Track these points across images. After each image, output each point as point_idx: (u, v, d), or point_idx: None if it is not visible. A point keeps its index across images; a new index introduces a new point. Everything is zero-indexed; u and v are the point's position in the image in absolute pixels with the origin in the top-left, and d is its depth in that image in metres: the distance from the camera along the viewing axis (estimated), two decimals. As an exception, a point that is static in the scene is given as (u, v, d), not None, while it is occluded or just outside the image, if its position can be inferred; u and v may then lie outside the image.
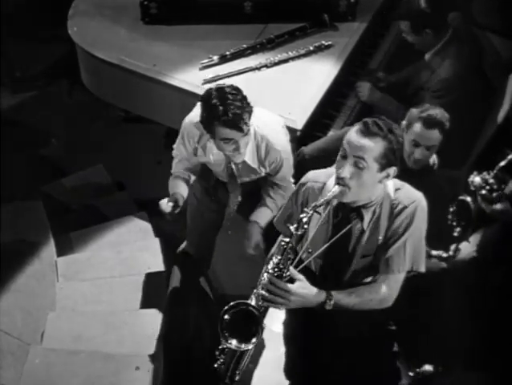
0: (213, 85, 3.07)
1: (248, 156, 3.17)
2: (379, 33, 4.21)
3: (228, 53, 3.90)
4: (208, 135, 3.09)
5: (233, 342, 2.39)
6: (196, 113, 3.15)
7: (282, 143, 3.22)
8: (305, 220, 2.38)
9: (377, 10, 4.18)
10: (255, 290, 2.45)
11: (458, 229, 3.05)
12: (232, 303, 2.39)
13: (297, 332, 2.93)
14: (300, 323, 2.81)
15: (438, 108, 3.09)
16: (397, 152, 2.37)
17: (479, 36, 3.98)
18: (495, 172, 2.90)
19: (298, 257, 2.45)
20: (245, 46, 3.94)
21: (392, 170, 2.39)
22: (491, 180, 2.88)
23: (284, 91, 3.78)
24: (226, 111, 2.90)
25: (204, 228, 3.71)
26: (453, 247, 3.07)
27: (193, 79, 3.82)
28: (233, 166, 3.26)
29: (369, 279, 2.54)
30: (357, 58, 4.06)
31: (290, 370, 3.17)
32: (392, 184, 2.48)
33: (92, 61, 4.05)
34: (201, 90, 3.71)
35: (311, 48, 3.94)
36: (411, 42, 3.67)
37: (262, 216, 3.34)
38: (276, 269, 2.39)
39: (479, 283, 3.09)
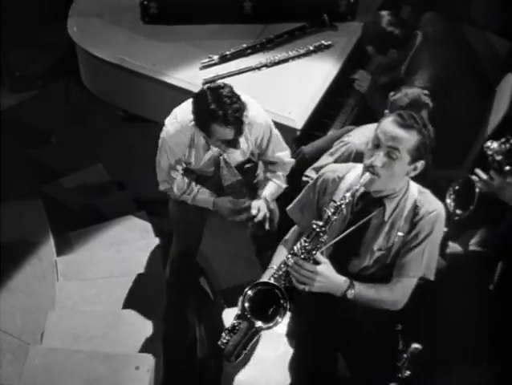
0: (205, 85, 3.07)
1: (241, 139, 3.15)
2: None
3: (228, 53, 3.90)
4: (200, 135, 3.09)
5: (258, 323, 2.41)
6: (177, 122, 3.15)
7: (263, 117, 3.22)
8: (343, 206, 2.39)
9: (377, 10, 4.17)
10: (276, 271, 2.49)
11: (459, 212, 3.05)
12: (256, 282, 2.44)
13: (303, 329, 2.94)
14: (306, 320, 2.83)
15: (417, 91, 3.09)
16: (428, 147, 2.41)
17: (472, 37, 3.98)
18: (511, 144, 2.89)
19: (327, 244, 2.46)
20: (245, 45, 3.94)
21: (420, 164, 2.43)
22: (507, 150, 2.87)
23: (284, 90, 3.79)
24: (226, 114, 2.90)
25: (188, 222, 3.65)
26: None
27: (193, 78, 3.82)
28: (225, 156, 3.26)
29: (379, 275, 2.55)
30: (357, 58, 4.06)
31: (295, 368, 3.18)
32: (415, 185, 2.53)
33: (92, 60, 4.06)
34: (200, 90, 3.74)
35: (311, 48, 3.94)
36: (381, 64, 3.73)
37: (265, 188, 3.36)
38: (303, 251, 2.41)
39: (482, 279, 3.10)
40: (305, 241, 2.42)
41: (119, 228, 4.24)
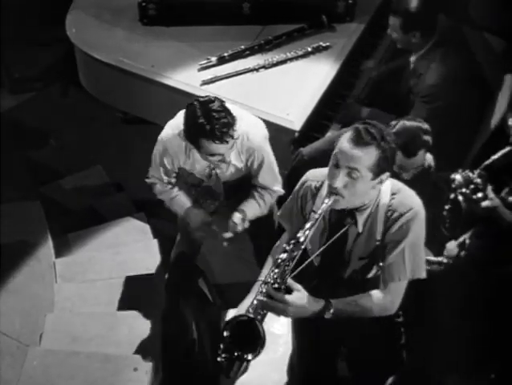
0: (199, 96, 3.02)
1: (233, 156, 3.15)
2: (377, 34, 4.21)
3: (226, 54, 3.90)
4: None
5: (239, 354, 2.35)
6: (174, 126, 3.15)
7: (258, 140, 3.17)
8: (302, 239, 2.36)
9: (375, 11, 4.18)
10: (252, 298, 2.42)
11: (447, 225, 3.05)
12: (229, 319, 2.38)
13: (302, 328, 2.93)
14: (305, 319, 2.82)
15: (416, 127, 3.03)
16: (390, 159, 2.34)
17: (470, 38, 3.98)
18: (479, 171, 2.88)
19: (296, 270, 2.41)
20: (243, 47, 3.94)
21: (386, 176, 2.37)
22: (476, 180, 2.86)
23: (282, 91, 3.79)
24: (213, 129, 2.88)
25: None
26: (454, 252, 3.06)
27: (191, 80, 3.82)
28: (218, 171, 3.25)
29: (370, 275, 2.54)
30: (355, 60, 4.06)
31: (293, 369, 3.18)
32: (388, 186, 2.45)
33: (91, 62, 4.06)
34: (199, 91, 3.74)
35: (309, 49, 3.94)
36: (394, 39, 3.61)
37: (248, 205, 3.31)
38: (274, 281, 2.36)
39: (478, 283, 3.10)
40: (274, 270, 2.37)
41: (118, 229, 4.24)
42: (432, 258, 3.06)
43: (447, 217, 3.07)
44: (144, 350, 3.48)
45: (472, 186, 2.85)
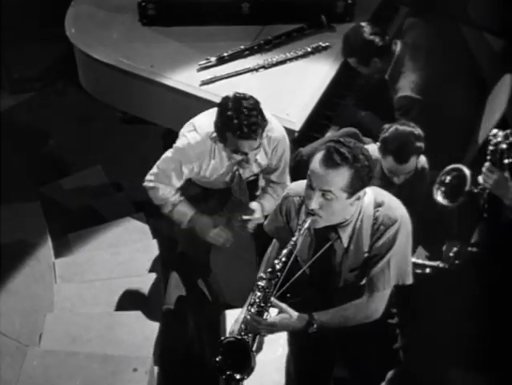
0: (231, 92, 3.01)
1: (260, 154, 3.13)
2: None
3: (226, 54, 3.89)
4: (220, 145, 3.06)
5: (231, 373, 2.43)
6: (197, 133, 3.12)
7: (281, 132, 3.20)
8: (278, 267, 2.39)
9: (375, 11, 4.18)
10: (244, 319, 2.48)
11: (445, 202, 3.02)
12: (219, 340, 2.45)
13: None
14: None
15: (408, 133, 3.02)
16: (366, 177, 2.30)
17: (470, 38, 3.98)
18: None
19: (285, 286, 2.46)
20: (242, 47, 3.93)
21: (363, 192, 2.35)
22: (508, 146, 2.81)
23: (282, 92, 3.78)
24: (241, 125, 2.86)
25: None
26: (451, 254, 3.05)
27: (190, 80, 3.81)
28: (241, 171, 3.24)
29: (363, 282, 2.54)
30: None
31: (291, 369, 3.18)
32: (371, 198, 2.43)
33: (90, 62, 4.05)
34: (198, 91, 3.74)
35: (309, 49, 3.94)
36: (366, 75, 3.73)
37: (266, 200, 3.34)
38: (257, 306, 2.41)
39: (478, 281, 3.10)
40: (256, 294, 2.42)
41: (117, 229, 4.24)
42: (428, 262, 3.05)
43: (446, 190, 3.05)
44: (143, 350, 3.48)
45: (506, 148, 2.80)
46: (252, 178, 3.42)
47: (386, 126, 3.08)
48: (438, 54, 3.66)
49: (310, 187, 2.32)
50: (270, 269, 2.40)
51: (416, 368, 3.04)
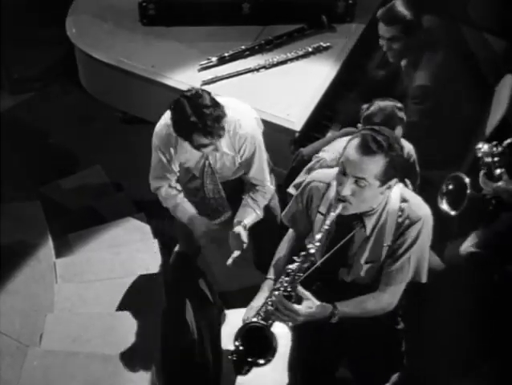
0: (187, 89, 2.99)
1: (224, 144, 3.11)
2: (377, 34, 4.20)
3: (226, 54, 3.90)
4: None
5: (251, 359, 2.46)
6: (164, 120, 3.13)
7: (251, 129, 3.14)
8: (312, 251, 2.39)
9: (375, 11, 4.17)
10: (262, 302, 2.50)
11: (451, 211, 3.03)
12: (241, 326, 2.47)
13: (303, 331, 2.93)
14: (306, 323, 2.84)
15: (392, 105, 3.03)
16: (398, 166, 2.33)
17: (470, 38, 3.98)
18: (503, 147, 2.86)
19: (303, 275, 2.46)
20: (243, 47, 3.95)
21: (394, 181, 2.37)
22: (496, 157, 2.84)
23: (282, 92, 3.79)
24: (206, 125, 2.84)
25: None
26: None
27: (191, 80, 3.82)
28: (211, 160, 3.20)
29: (374, 278, 2.55)
30: (355, 60, 4.06)
31: (292, 370, 3.19)
32: (397, 192, 2.46)
33: (91, 62, 4.06)
34: (199, 91, 3.74)
35: (310, 49, 3.95)
36: (395, 51, 3.65)
37: (246, 215, 3.30)
38: (284, 289, 2.42)
39: (479, 280, 3.10)
40: (284, 278, 2.43)
41: (117, 229, 4.23)
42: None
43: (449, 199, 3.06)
44: (144, 350, 3.48)
45: (494, 159, 2.83)
46: (233, 178, 3.38)
47: (365, 106, 3.09)
48: (448, 52, 3.65)
49: (342, 173, 2.33)
50: (303, 253, 2.40)
51: (420, 372, 3.05)
